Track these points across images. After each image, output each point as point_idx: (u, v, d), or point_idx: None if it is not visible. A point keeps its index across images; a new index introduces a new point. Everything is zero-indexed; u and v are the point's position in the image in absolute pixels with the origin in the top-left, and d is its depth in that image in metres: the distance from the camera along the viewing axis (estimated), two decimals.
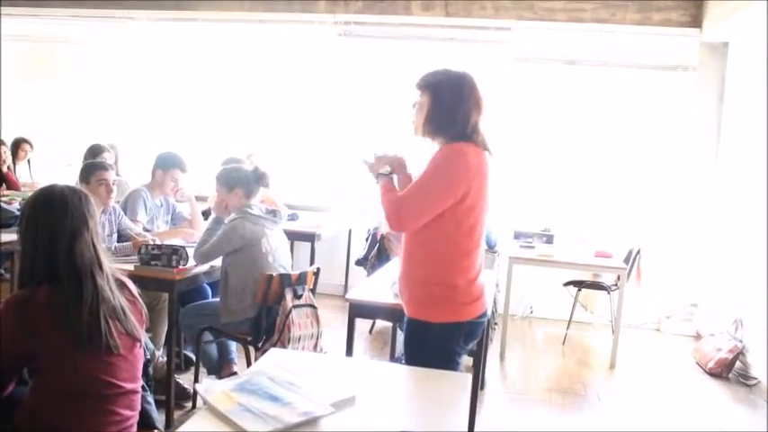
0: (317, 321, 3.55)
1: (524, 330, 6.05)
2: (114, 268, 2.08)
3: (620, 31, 5.83)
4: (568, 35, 6.17)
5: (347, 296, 3.25)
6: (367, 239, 5.63)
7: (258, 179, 3.59)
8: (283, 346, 3.30)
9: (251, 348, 3.45)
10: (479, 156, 2.29)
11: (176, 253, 3.36)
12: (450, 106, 2.29)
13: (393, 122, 6.07)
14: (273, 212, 3.60)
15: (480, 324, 2.41)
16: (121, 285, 2.09)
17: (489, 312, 3.03)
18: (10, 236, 3.83)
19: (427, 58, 6.37)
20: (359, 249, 5.86)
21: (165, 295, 3.69)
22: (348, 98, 6.76)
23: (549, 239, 5.97)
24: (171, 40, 7.06)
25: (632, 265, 5.50)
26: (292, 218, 5.90)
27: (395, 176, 2.47)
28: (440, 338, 2.32)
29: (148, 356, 2.32)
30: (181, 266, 3.36)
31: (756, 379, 4.77)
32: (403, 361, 2.41)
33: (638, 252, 5.58)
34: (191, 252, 3.47)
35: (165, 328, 3.83)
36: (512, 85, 6.39)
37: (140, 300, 2.14)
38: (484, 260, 2.45)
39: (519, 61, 6.42)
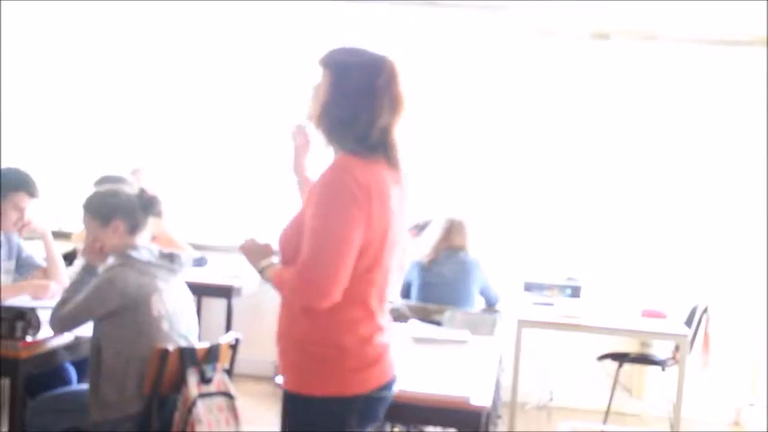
0: (235, 418, 3.54)
1: (541, 425, 6.05)
2: None
3: None
4: None
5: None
6: None
7: (147, 207, 3.59)
8: None
9: None
10: (377, 173, 2.42)
11: (22, 317, 3.32)
12: (353, 98, 2.43)
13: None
14: (170, 256, 3.60)
15: (381, 400, 2.52)
16: None
17: (489, 399, 3.04)
18: None
19: (387, 31, 6.39)
20: None
21: (5, 382, 3.61)
22: (278, 81, 6.75)
23: (576, 293, 6.03)
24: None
25: (697, 330, 5.55)
26: (199, 263, 5.88)
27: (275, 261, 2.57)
28: (322, 420, 2.41)
29: None
30: (29, 338, 3.32)
31: None
32: None
33: (706, 311, 5.64)
34: (45, 316, 3.43)
35: None
36: (514, 69, 6.49)
37: None
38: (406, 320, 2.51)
39: (526, 35, 6.51)
